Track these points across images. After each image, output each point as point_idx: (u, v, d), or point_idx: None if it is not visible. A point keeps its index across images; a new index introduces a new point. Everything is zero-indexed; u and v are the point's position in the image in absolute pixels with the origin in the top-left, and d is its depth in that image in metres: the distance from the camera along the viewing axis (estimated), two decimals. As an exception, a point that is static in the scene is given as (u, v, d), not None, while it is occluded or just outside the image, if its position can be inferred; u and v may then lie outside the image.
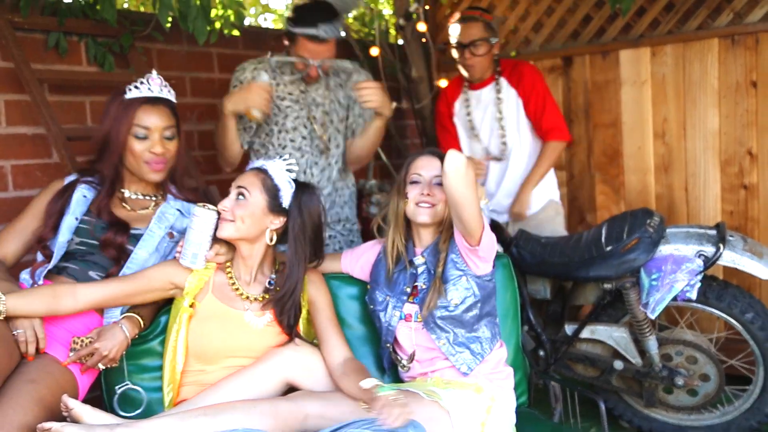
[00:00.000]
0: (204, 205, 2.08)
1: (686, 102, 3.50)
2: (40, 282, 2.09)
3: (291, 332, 2.09)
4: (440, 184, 2.14)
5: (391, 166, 3.49)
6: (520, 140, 3.34)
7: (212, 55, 3.63)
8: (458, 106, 3.46)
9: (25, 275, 2.15)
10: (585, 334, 2.89)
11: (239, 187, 2.09)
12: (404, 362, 2.18)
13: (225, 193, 2.77)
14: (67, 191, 2.19)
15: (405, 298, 2.18)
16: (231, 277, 2.13)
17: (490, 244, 2.09)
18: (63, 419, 1.80)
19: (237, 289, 2.11)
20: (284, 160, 2.14)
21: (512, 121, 3.33)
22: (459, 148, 3.36)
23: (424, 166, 2.21)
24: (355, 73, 2.87)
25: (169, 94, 2.26)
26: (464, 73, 3.33)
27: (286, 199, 2.12)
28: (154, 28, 3.08)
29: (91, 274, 2.14)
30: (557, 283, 3.03)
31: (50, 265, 2.10)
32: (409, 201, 2.18)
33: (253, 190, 2.08)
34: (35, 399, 1.79)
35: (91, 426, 1.74)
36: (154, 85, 2.22)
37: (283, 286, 2.09)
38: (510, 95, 3.31)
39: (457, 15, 3.33)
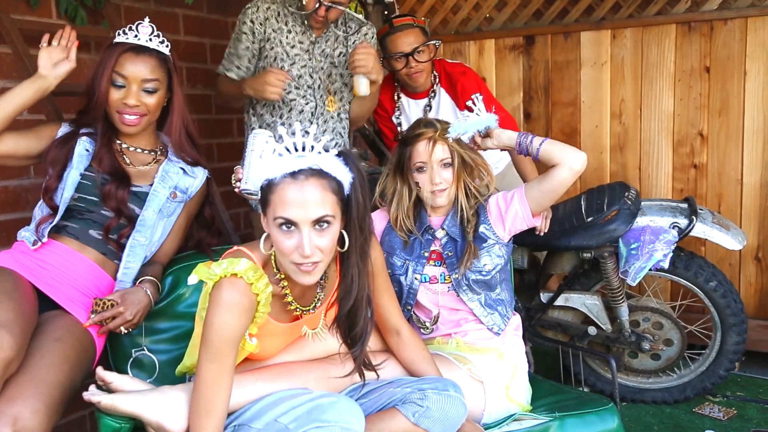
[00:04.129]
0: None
1: (643, 84, 3.66)
2: (45, 239, 1.99)
3: (359, 356, 1.79)
4: (448, 165, 2.17)
5: (372, 134, 3.45)
6: None
7: (178, 16, 3.51)
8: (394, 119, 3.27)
9: (25, 232, 2.05)
10: (559, 301, 3.02)
11: (323, 218, 1.56)
12: (428, 324, 2.22)
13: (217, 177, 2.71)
14: (69, 142, 2.08)
15: (424, 261, 2.22)
16: (286, 291, 1.74)
17: None
18: (84, 378, 1.74)
19: (295, 307, 1.76)
20: (304, 132, 1.60)
21: None
22: None
23: (428, 153, 2.17)
24: (365, 26, 2.87)
25: (160, 45, 2.13)
26: (411, 84, 3.09)
27: (347, 188, 1.65)
28: (130, -18, 2.96)
29: (92, 232, 2.05)
30: (531, 253, 3.13)
31: (54, 221, 2.00)
32: (422, 189, 2.20)
33: (334, 209, 1.59)
34: (63, 357, 1.74)
35: (142, 392, 1.66)
36: (142, 33, 2.09)
37: (347, 295, 1.73)
38: (446, 101, 3.13)
39: (388, 27, 3.05)
